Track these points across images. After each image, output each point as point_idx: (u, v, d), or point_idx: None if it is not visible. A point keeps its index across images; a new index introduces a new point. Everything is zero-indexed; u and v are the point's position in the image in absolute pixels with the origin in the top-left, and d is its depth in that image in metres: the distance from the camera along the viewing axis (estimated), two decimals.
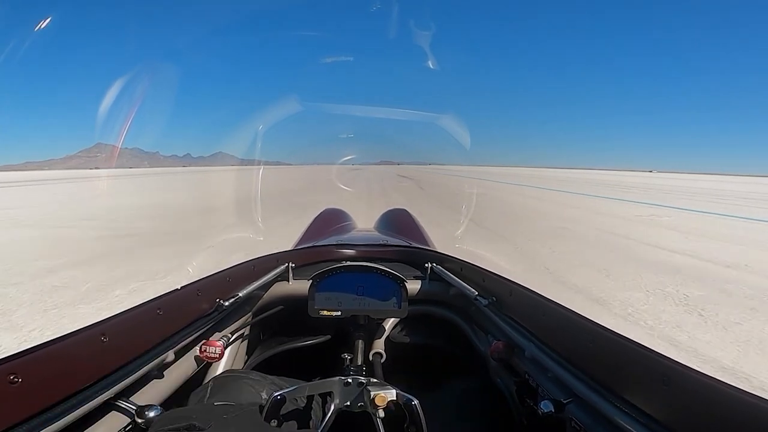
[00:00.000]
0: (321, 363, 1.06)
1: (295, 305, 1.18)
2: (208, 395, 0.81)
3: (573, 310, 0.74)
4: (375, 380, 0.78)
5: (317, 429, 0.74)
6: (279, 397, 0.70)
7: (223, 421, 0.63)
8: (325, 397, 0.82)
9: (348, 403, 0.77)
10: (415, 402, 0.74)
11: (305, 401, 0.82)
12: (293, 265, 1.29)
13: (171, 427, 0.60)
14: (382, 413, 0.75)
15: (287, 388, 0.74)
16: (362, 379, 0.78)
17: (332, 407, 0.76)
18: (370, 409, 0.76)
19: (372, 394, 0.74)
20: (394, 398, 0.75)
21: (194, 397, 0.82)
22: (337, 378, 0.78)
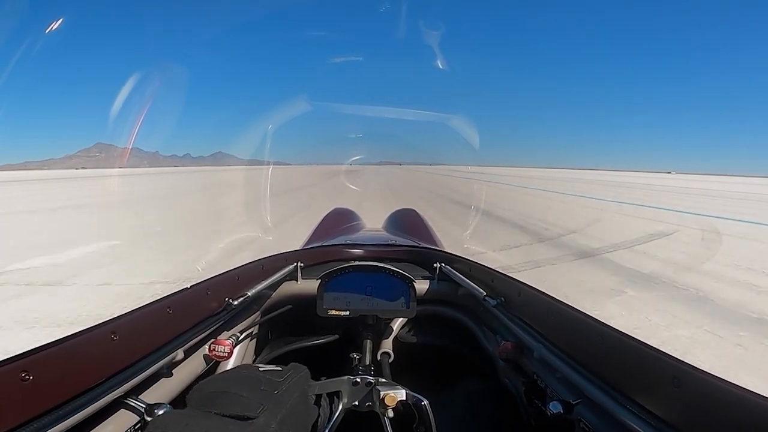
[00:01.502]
0: (329, 362, 1.06)
1: (303, 305, 1.18)
2: None
3: (582, 310, 0.74)
4: (384, 380, 0.79)
5: (325, 428, 0.74)
6: None
7: (275, 397, 0.61)
8: (333, 396, 0.82)
9: (356, 403, 0.77)
10: (425, 402, 0.75)
11: (314, 399, 0.83)
12: (302, 264, 1.29)
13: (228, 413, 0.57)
14: (390, 413, 0.75)
15: None
16: (371, 378, 0.79)
17: (340, 406, 0.77)
18: (378, 409, 0.77)
19: (382, 393, 0.75)
20: (404, 398, 0.75)
21: None
22: (346, 377, 0.79)
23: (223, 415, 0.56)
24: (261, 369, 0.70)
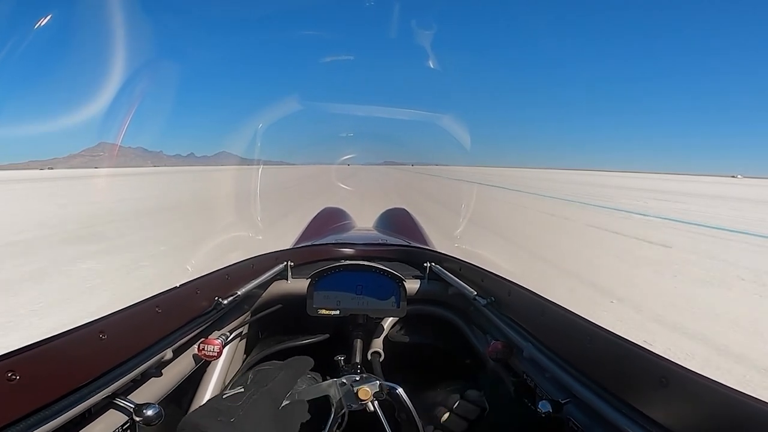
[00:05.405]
0: (320, 362, 1.06)
1: (293, 304, 1.18)
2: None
3: (572, 310, 0.74)
4: (365, 375, 0.80)
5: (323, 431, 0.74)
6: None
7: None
8: (322, 399, 0.82)
9: (350, 404, 0.77)
10: (399, 390, 0.78)
11: (307, 406, 0.83)
12: (292, 263, 1.29)
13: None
14: (371, 407, 0.76)
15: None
16: (357, 377, 0.79)
17: (332, 410, 0.77)
18: (368, 407, 0.77)
19: (355, 389, 0.75)
20: (378, 389, 0.76)
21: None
22: (332, 380, 0.79)
23: None
24: (224, 396, 0.71)
